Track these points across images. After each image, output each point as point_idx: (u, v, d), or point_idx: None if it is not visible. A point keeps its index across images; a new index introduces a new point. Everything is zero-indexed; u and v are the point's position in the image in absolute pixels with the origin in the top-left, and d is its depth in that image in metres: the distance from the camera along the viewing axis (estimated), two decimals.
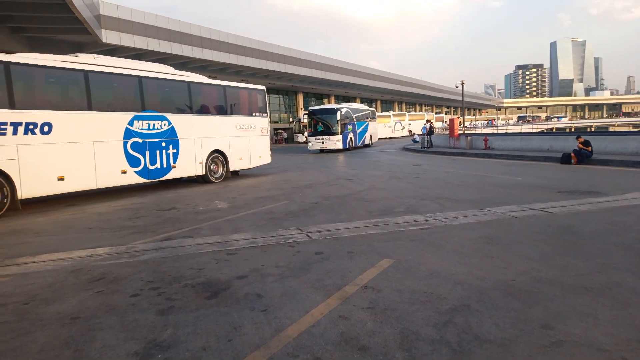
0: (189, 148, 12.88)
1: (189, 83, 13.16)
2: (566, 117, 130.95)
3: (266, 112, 16.25)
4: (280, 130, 54.62)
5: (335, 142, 28.73)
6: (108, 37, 26.87)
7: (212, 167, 13.81)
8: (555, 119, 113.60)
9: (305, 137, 38.33)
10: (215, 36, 35.82)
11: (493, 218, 7.13)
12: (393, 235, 6.19)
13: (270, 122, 52.43)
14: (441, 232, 6.36)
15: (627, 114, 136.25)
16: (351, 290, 4.12)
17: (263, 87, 16.31)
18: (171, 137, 12.28)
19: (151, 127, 11.73)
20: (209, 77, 16.67)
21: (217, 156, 13.99)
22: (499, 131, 52.43)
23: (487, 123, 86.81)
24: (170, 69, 13.18)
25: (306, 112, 33.21)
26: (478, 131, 50.16)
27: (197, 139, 13.14)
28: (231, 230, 6.91)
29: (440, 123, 62.28)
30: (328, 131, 28.74)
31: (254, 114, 15.53)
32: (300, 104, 60.15)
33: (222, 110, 14.38)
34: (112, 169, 10.87)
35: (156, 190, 12.46)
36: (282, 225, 7.07)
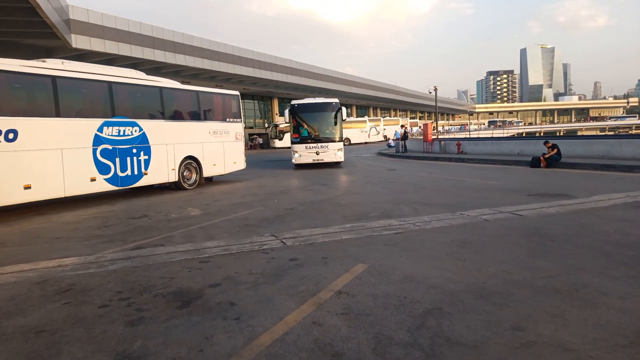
0: (161, 154, 12.66)
1: (161, 88, 12.97)
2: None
3: (240, 118, 16.14)
4: (255, 136, 54.36)
5: (335, 152, 20.01)
6: (78, 42, 26.29)
7: (185, 173, 13.61)
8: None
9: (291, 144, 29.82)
10: (188, 41, 35.47)
11: (465, 221, 7.23)
12: (368, 240, 6.20)
13: (245, 127, 52.26)
14: (415, 236, 6.40)
15: (594, 118, 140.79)
16: (325, 296, 4.09)
17: (237, 93, 16.20)
18: (142, 143, 12.05)
19: (121, 133, 11.49)
20: (182, 82, 16.47)
21: (191, 162, 13.80)
22: (472, 136, 53.45)
23: (460, 128, 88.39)
24: (142, 75, 12.95)
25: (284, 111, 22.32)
26: (451, 136, 51.02)
27: (169, 145, 12.94)
28: (204, 237, 6.80)
29: (415, 128, 63.14)
30: (324, 137, 20.18)
31: (228, 120, 15.40)
32: (276, 109, 60.03)
33: (195, 116, 14.21)
34: (81, 176, 10.58)
35: (127, 197, 12.20)
36: (257, 232, 7.00)
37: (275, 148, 48.86)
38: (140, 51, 31.09)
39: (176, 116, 13.52)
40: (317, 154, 20.01)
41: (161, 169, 12.69)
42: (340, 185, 13.03)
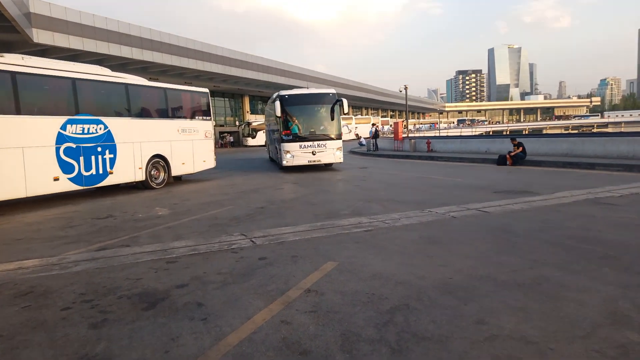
0: (128, 153, 12.37)
1: (127, 85, 12.66)
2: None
3: (210, 116, 15.93)
4: (225, 134, 53.81)
5: (334, 151, 17.14)
6: (40, 36, 25.42)
7: (152, 172, 13.34)
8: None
9: (272, 143, 23.84)
10: (156, 37, 34.79)
11: (434, 218, 7.35)
12: (338, 238, 6.22)
13: (216, 125, 51.72)
14: (384, 233, 6.47)
15: (559, 117, 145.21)
16: (294, 294, 4.09)
17: (207, 90, 15.99)
18: (108, 141, 11.75)
19: (86, 131, 11.16)
20: (150, 79, 16.15)
21: (159, 161, 13.54)
22: (441, 134, 54.37)
23: (430, 126, 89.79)
24: (107, 71, 12.62)
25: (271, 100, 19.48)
26: (422, 134, 51.78)
27: (136, 143, 12.65)
28: (172, 237, 6.68)
29: (387, 126, 63.79)
30: (321, 134, 17.16)
31: (197, 117, 15.18)
32: (247, 107, 59.60)
33: (163, 114, 13.95)
34: (43, 176, 10.23)
35: (92, 197, 11.87)
36: (226, 231, 6.93)
37: (247, 146, 48.51)
38: (106, 47, 30.31)
39: (143, 114, 13.24)
40: (314, 154, 16.81)
41: (127, 168, 12.40)
42: (311, 184, 13.03)
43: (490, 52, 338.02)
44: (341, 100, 16.88)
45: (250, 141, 48.53)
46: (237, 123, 58.19)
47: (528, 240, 5.80)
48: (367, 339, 3.17)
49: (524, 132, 76.58)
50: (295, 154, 16.80)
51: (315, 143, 16.92)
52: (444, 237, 6.15)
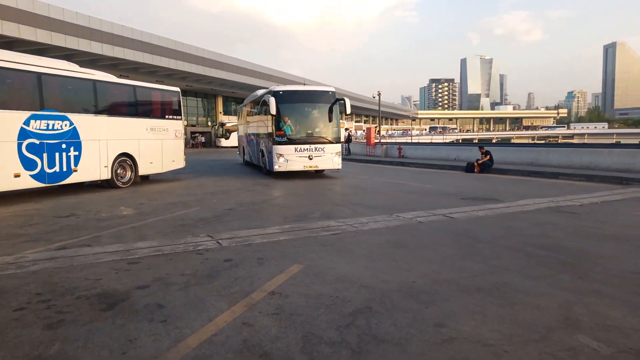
0: (93, 151, 12.04)
1: (95, 82, 12.35)
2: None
3: (181, 115, 15.68)
4: (197, 134, 53.12)
5: (332, 156, 15.27)
6: (4, 28, 24.57)
7: (119, 171, 13.02)
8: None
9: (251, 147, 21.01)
10: (128, 33, 34.10)
11: (401, 223, 7.44)
12: (305, 241, 6.22)
13: (187, 125, 51.05)
14: (352, 237, 6.50)
15: (527, 127, 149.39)
16: (258, 296, 4.06)
17: (178, 89, 15.73)
18: (73, 138, 11.41)
19: (50, 127, 10.82)
20: (120, 76, 15.83)
21: (125, 160, 13.22)
22: (413, 141, 55.17)
23: (403, 133, 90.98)
24: (75, 66, 12.28)
25: (259, 96, 17.73)
26: (394, 140, 52.41)
27: (102, 141, 12.33)
28: (135, 238, 6.54)
29: (360, 131, 64.30)
30: (319, 136, 15.19)
31: (167, 117, 14.93)
32: (220, 108, 59.01)
33: (132, 112, 13.66)
34: (3, 172, 9.84)
35: (55, 195, 11.50)
36: (192, 232, 6.83)
37: (221, 147, 48.04)
38: (76, 42, 29.52)
39: (111, 111, 12.92)
40: (310, 159, 14.90)
41: (93, 166, 12.07)
42: (282, 187, 12.99)
43: (463, 62, 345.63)
44: (343, 100, 15.15)
45: (224, 142, 48.10)
46: (209, 123, 57.57)
47: (491, 246, 5.93)
48: (328, 341, 3.17)
49: (492, 141, 78.47)
50: (290, 158, 14.78)
51: (313, 146, 14.99)
52: (410, 241, 6.23)
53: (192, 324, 3.48)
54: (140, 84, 14.36)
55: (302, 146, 14.90)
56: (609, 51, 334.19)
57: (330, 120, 15.23)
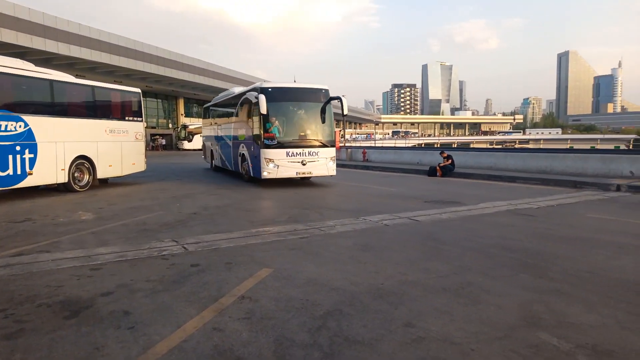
0: (50, 153, 11.56)
1: (51, 81, 11.88)
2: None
3: (142, 117, 15.29)
4: (157, 137, 51.90)
5: (327, 161, 13.69)
6: None
7: (76, 174, 12.55)
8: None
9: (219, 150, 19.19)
10: (85, 32, 32.91)
11: (367, 226, 7.53)
12: (273, 245, 6.20)
13: (147, 127, 49.77)
14: (320, 240, 6.54)
15: (485, 133, 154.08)
16: (228, 301, 4.02)
17: (138, 90, 15.34)
18: (28, 140, 10.91)
19: (3, 128, 10.31)
20: (77, 76, 15.29)
21: (83, 162, 12.76)
22: (377, 145, 55.89)
23: (367, 137, 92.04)
24: (30, 65, 11.78)
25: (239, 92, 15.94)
26: (358, 144, 52.92)
27: (59, 143, 11.86)
28: (97, 243, 6.33)
29: None
30: (312, 139, 13.63)
31: (127, 118, 14.52)
32: (181, 109, 57.87)
33: (90, 113, 13.21)
34: None
35: (8, 199, 10.97)
36: (156, 237, 6.68)
37: (183, 150, 47.15)
38: (29, 40, 28.24)
39: (68, 112, 12.46)
40: (304, 164, 13.22)
41: (49, 169, 11.59)
42: (248, 190, 12.89)
43: (424, 67, 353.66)
44: (339, 98, 13.73)
45: (187, 145, 47.24)
46: (170, 125, 56.39)
47: (454, 247, 6.10)
48: (300, 344, 3.18)
49: (453, 146, 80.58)
50: (281, 163, 12.98)
51: (306, 150, 13.28)
52: (377, 244, 6.32)
53: (160, 330, 3.41)
54: (99, 85, 13.93)
55: (295, 150, 13.17)
56: (562, 60, 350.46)
57: (323, 121, 13.76)
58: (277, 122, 13.19)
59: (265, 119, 12.91)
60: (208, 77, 49.99)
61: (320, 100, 13.83)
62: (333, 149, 14.01)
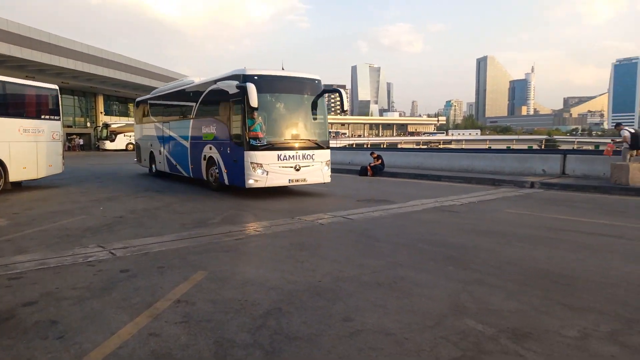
0: None
1: None
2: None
3: (59, 115, 14.31)
4: (74, 136, 48.73)
5: (322, 166, 11.69)
6: None
7: None
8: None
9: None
10: None
11: (303, 226, 7.62)
12: (207, 247, 6.10)
13: (64, 126, 46.62)
14: (256, 241, 6.53)
15: (411, 133, 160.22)
16: (163, 306, 3.91)
17: (56, 87, 14.34)
18: None
19: None
20: None
21: None
22: None
23: None
24: None
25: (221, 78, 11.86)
26: None
27: None
28: (14, 251, 5.87)
29: None
30: (306, 139, 11.49)
31: (43, 117, 13.54)
32: (101, 107, 54.66)
33: (1, 111, 12.18)
34: None
35: None
36: (80, 243, 6.31)
37: (104, 150, 44.63)
38: None
39: None
40: (297, 170, 11.09)
41: None
42: (178, 191, 12.50)
43: (354, 69, 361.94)
44: (338, 92, 12.17)
45: (109, 145, 44.76)
46: (88, 124, 53.18)
47: (387, 244, 6.35)
48: (241, 344, 3.18)
49: (382, 146, 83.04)
50: (271, 169, 10.74)
51: (300, 153, 11.16)
52: (313, 243, 6.43)
53: (92, 338, 3.26)
54: (12, 80, 12.87)
55: (287, 152, 10.95)
56: (481, 64, 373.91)
57: (316, 117, 11.80)
58: (260, 118, 10.76)
59: (250, 115, 10.51)
60: (130, 74, 47.77)
61: (314, 92, 11.71)
62: (328, 152, 12.04)
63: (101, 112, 54.23)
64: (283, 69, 12.76)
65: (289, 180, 11.10)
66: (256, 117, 10.58)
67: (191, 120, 13.86)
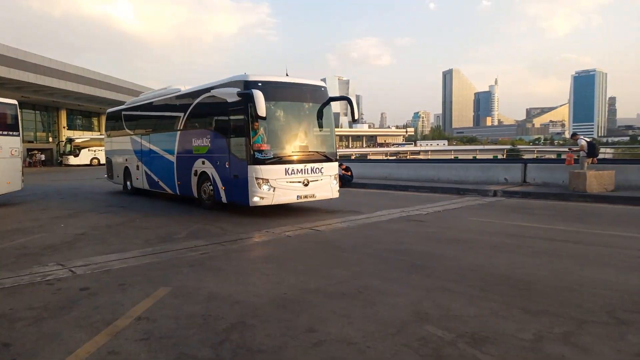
0: None
1: None
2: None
3: (19, 131, 13.86)
4: (35, 152, 47.16)
5: (331, 180, 10.83)
6: None
7: None
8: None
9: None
10: None
11: (270, 238, 7.60)
12: (171, 263, 6.00)
13: (24, 141, 45.09)
14: (221, 255, 6.46)
15: (381, 144, 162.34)
16: (123, 323, 3.83)
17: (15, 102, 13.90)
18: None
19: None
20: None
21: None
22: None
23: None
24: None
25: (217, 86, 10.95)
26: None
27: None
28: None
29: None
30: (315, 151, 10.58)
31: (1, 133, 13.09)
32: (63, 122, 53.05)
33: None
34: None
35: None
36: (39, 262, 6.11)
37: (68, 165, 43.28)
38: None
39: None
40: (306, 185, 10.17)
41: None
42: (143, 206, 12.25)
43: (323, 81, 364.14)
44: (348, 99, 11.76)
45: (73, 160, 43.45)
46: (50, 139, 51.56)
47: (353, 254, 6.41)
48: (203, 359, 3.14)
49: (352, 157, 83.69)
50: (278, 184, 9.79)
51: (309, 167, 10.26)
52: (279, 255, 6.43)
53: (49, 358, 3.16)
54: None
55: (296, 166, 10.05)
56: (447, 77, 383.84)
57: (322, 127, 10.99)
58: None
59: (254, 125, 9.61)
60: (95, 87, 46.72)
61: (320, 100, 11.01)
62: (336, 164, 11.28)
63: (64, 127, 52.69)
64: (287, 74, 11.76)
65: (297, 196, 10.20)
66: (255, 128, 9.67)
67: (178, 132, 12.74)
